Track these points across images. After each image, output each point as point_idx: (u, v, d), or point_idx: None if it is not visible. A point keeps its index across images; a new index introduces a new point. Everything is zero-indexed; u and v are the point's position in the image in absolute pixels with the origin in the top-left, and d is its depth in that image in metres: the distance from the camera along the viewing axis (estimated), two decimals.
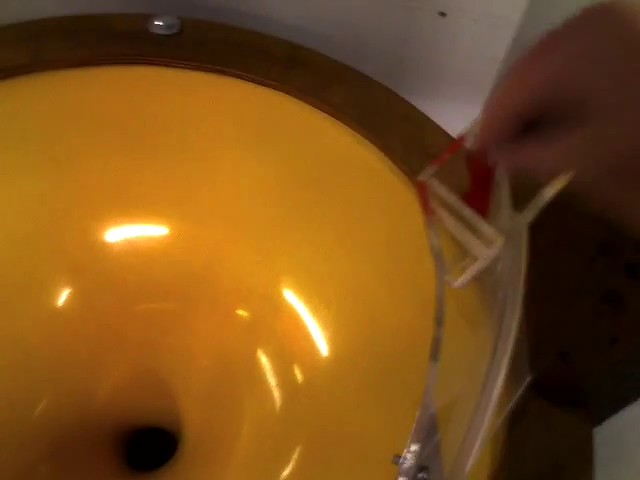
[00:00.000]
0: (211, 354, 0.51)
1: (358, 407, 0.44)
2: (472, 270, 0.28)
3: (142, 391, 0.52)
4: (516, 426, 0.37)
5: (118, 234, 0.48)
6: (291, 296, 0.50)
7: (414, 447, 0.28)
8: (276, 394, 0.48)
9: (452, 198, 0.30)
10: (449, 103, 0.53)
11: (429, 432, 0.28)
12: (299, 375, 0.48)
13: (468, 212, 0.29)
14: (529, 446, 0.39)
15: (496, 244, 0.27)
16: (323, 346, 0.49)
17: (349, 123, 0.48)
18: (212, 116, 0.50)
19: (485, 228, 0.28)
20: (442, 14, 0.56)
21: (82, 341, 0.49)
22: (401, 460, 0.28)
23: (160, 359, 0.52)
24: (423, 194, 0.31)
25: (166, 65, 0.50)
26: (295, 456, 0.44)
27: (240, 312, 0.52)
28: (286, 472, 0.44)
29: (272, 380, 0.49)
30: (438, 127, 0.49)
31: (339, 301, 0.49)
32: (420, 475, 0.28)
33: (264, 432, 0.47)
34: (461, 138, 0.29)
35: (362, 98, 0.50)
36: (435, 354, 0.29)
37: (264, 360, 0.50)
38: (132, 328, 0.50)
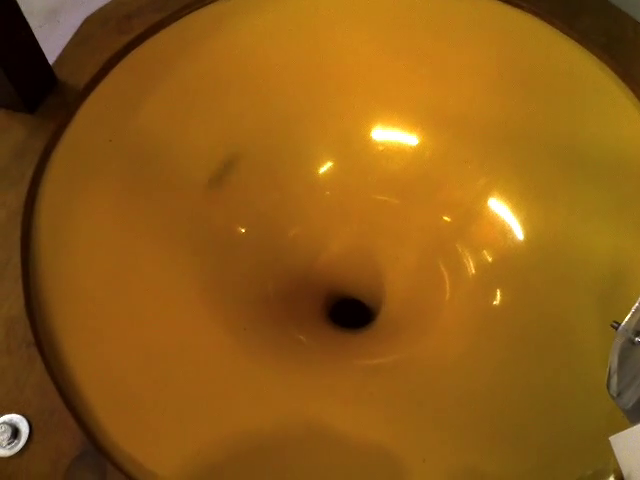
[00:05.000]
0: (418, 241, 0.59)
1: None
2: None
3: (353, 264, 0.61)
4: None
5: (381, 134, 0.57)
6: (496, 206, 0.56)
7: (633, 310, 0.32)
8: (472, 272, 0.55)
9: None
10: None
11: None
12: (494, 257, 0.54)
13: None
14: None
15: None
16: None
17: (593, 50, 0.52)
18: (463, 29, 0.56)
19: None
20: None
21: (321, 209, 0.59)
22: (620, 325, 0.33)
23: (375, 240, 0.60)
24: None
25: None
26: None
27: (445, 218, 0.58)
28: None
29: (470, 265, 0.56)
30: None
31: None
32: (637, 339, 0.33)
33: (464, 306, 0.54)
34: None
35: (610, 28, 0.53)
36: None
37: (462, 249, 0.57)
38: (360, 210, 0.59)
